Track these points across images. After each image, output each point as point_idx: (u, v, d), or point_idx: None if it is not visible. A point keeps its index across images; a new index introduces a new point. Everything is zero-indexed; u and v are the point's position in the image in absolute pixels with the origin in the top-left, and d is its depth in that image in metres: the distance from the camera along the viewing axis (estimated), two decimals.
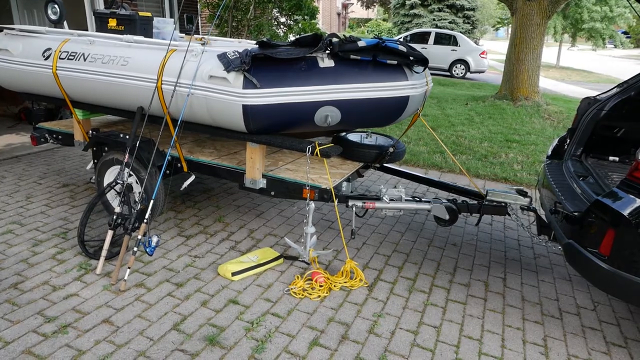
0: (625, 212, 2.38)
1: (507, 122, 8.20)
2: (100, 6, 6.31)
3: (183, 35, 4.57)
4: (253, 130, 3.04)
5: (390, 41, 3.02)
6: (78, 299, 2.76)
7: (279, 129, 3.10)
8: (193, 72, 3.00)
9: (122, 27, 3.69)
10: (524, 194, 3.36)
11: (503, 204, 3.34)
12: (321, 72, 2.96)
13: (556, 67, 24.71)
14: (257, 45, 2.98)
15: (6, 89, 4.08)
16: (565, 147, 3.75)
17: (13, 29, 3.82)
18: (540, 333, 2.77)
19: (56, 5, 3.97)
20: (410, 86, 3.09)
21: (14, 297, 2.74)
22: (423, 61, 3.11)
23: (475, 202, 3.40)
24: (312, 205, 3.13)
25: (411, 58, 3.09)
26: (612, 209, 2.44)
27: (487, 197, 3.37)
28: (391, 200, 3.29)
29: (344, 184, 3.41)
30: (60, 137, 4.10)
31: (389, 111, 3.14)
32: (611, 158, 3.68)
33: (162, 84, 3.11)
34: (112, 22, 3.70)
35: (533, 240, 3.99)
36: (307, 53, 2.94)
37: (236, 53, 2.92)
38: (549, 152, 3.83)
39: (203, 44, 3.25)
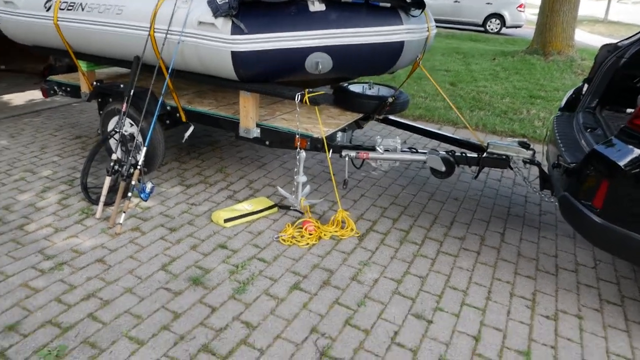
0: (621, 162, 2.26)
1: (534, 77, 7.81)
2: None
3: None
4: (244, 77, 3.01)
5: None
6: (77, 240, 2.89)
7: (271, 76, 3.06)
8: (183, 19, 2.97)
9: None
10: (526, 146, 3.22)
11: (504, 157, 3.23)
12: (311, 17, 2.87)
13: (604, 21, 23.15)
14: None
15: (31, 47, 4.16)
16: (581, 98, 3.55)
17: None
18: (531, 287, 2.71)
19: None
20: (406, 30, 2.96)
21: (19, 237, 2.90)
22: (419, 4, 2.96)
23: (475, 154, 3.30)
24: (303, 154, 3.12)
25: (408, 1, 2.96)
26: (607, 158, 2.32)
27: (488, 150, 3.26)
28: (386, 150, 3.23)
29: (339, 134, 3.36)
30: (68, 89, 4.20)
31: (383, 57, 3.03)
32: (629, 110, 3.46)
33: (154, 32, 3.10)
34: None
35: (540, 196, 3.87)
36: None
37: None
38: (562, 104, 3.64)
39: None
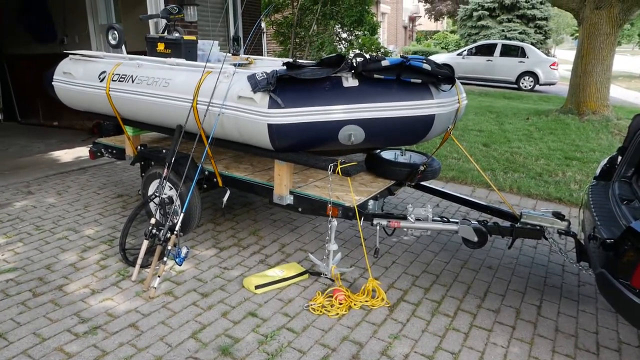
0: None
1: (569, 138, 7.72)
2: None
3: (230, 55, 4.80)
4: (279, 148, 3.13)
5: (415, 60, 3.00)
6: (112, 303, 2.98)
7: (304, 147, 3.17)
8: (225, 92, 3.16)
9: (169, 51, 3.97)
10: (561, 217, 3.17)
11: (538, 227, 3.18)
12: (345, 92, 3.01)
13: None
14: (284, 66, 3.09)
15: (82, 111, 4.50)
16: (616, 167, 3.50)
17: (76, 54, 4.24)
18: None
19: (116, 32, 4.34)
20: (437, 104, 3.05)
21: (58, 298, 3.01)
22: (449, 79, 3.06)
23: (508, 224, 3.26)
24: (335, 222, 3.16)
25: (439, 76, 3.06)
26: None
27: (522, 220, 3.22)
28: (417, 220, 3.23)
29: (371, 202, 3.40)
30: (114, 151, 4.46)
31: (413, 130, 3.11)
32: None
33: (197, 103, 3.30)
34: (161, 46, 3.99)
35: (577, 267, 3.74)
36: (331, 73, 3.00)
37: (264, 74, 3.05)
38: (597, 173, 3.59)
39: (237, 65, 3.41)
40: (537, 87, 16.10)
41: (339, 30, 14.66)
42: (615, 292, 2.34)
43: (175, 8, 4.33)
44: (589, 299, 3.29)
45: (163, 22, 4.71)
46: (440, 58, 17.33)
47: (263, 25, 13.89)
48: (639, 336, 2.90)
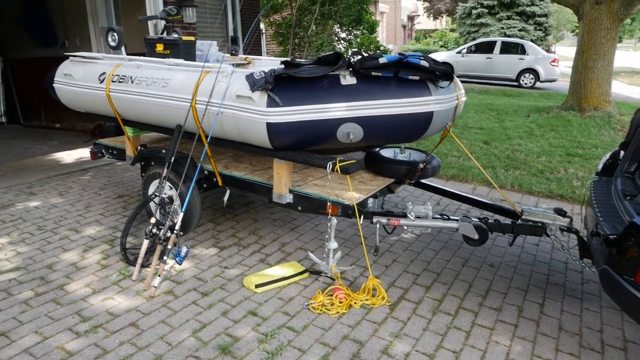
0: None
1: (571, 134, 7.69)
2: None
3: (228, 55, 4.80)
4: (278, 146, 3.13)
5: (413, 57, 2.99)
6: (113, 302, 2.98)
7: (303, 145, 3.16)
8: (223, 92, 3.16)
9: (168, 51, 3.97)
10: (563, 213, 3.15)
11: (540, 224, 3.16)
12: (343, 90, 3.00)
13: None
14: (282, 65, 3.08)
15: (82, 112, 4.52)
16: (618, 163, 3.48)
17: (76, 56, 4.24)
18: None
19: (115, 34, 4.34)
20: (435, 101, 3.04)
21: (59, 297, 3.01)
22: (447, 76, 3.05)
23: (509, 221, 3.24)
24: (334, 220, 3.15)
25: (437, 73, 3.05)
26: None
27: (523, 217, 3.21)
28: (417, 217, 3.22)
29: (370, 200, 3.39)
30: (115, 152, 4.46)
31: (412, 127, 3.10)
32: None
33: (196, 103, 3.30)
34: (159, 47, 3.99)
35: (580, 264, 3.72)
36: (329, 71, 2.99)
37: (262, 73, 3.04)
38: (599, 168, 3.57)
39: (235, 65, 3.41)
40: (538, 84, 16.05)
41: (337, 29, 14.65)
42: (619, 289, 2.32)
43: (173, 9, 4.33)
44: (592, 297, 3.27)
45: (163, 23, 4.71)
46: (440, 56, 17.29)
47: (262, 26, 13.89)
48: None
